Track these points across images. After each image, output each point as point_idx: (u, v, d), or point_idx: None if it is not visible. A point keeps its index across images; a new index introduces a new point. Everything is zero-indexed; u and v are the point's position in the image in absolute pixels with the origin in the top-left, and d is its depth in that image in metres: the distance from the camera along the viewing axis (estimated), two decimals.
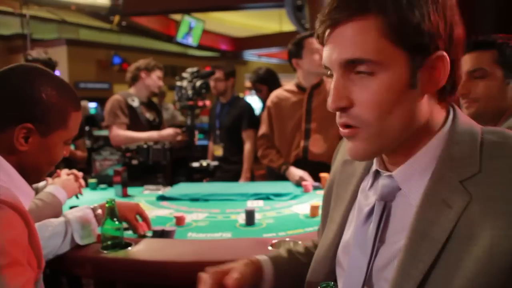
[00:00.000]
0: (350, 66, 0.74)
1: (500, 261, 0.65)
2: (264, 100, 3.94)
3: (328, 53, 0.77)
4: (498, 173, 0.70)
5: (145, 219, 1.69)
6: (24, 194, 1.08)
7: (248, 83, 17.30)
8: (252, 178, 3.81)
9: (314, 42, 2.73)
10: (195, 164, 3.12)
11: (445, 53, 0.73)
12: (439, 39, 0.73)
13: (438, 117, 0.79)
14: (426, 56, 0.73)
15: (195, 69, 3.27)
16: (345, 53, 0.74)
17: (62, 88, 1.16)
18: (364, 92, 0.74)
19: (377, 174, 0.87)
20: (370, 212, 0.85)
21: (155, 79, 3.39)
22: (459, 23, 0.77)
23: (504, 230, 0.66)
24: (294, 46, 2.82)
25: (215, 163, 3.23)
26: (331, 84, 0.78)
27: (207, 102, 3.33)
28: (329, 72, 0.81)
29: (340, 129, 0.80)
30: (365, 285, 0.83)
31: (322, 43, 0.80)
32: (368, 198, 0.89)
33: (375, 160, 0.88)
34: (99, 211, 1.55)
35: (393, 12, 0.71)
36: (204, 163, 3.10)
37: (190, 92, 3.17)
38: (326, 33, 0.77)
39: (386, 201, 0.83)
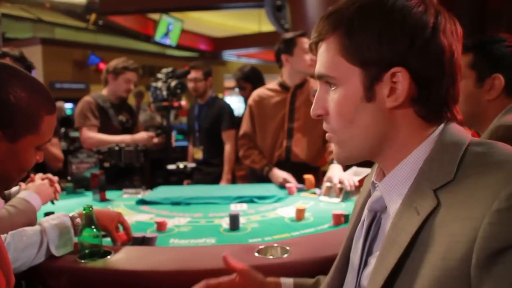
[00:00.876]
0: (321, 80, 0.85)
1: (452, 269, 0.64)
2: (247, 99, 3.90)
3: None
4: (467, 180, 0.69)
5: (126, 229, 1.61)
6: None
7: (228, 83, 17.28)
8: (233, 179, 3.76)
9: (306, 42, 2.71)
10: (171, 167, 3.04)
11: (401, 69, 0.75)
12: (396, 55, 0.75)
13: (421, 131, 0.80)
14: (382, 72, 0.77)
15: (170, 69, 3.20)
16: (317, 68, 0.85)
17: (34, 88, 1.06)
18: (331, 103, 0.83)
19: (374, 186, 0.89)
20: (363, 222, 0.90)
21: (121, 83, 3.26)
22: (438, 41, 0.76)
23: (458, 236, 0.65)
24: (285, 42, 2.78)
25: (193, 165, 3.16)
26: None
27: (183, 103, 3.26)
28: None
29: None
30: None
31: (316, 55, 0.89)
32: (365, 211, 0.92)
33: (374, 172, 0.91)
34: (78, 219, 1.47)
35: (346, 33, 0.78)
36: (181, 165, 3.03)
37: (164, 93, 3.10)
38: (314, 48, 0.88)
39: (377, 212, 0.86)
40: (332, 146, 0.89)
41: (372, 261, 0.82)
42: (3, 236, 1.29)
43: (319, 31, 0.83)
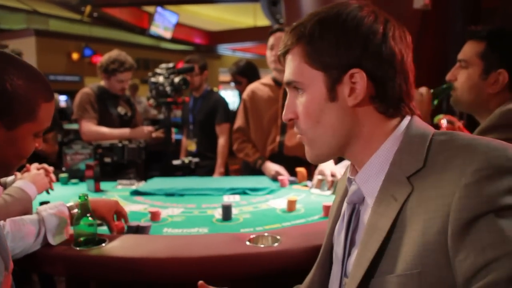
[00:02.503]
0: (289, 86, 0.92)
1: (430, 242, 0.71)
2: (243, 93, 3.93)
3: None
4: (436, 165, 0.77)
5: (123, 217, 1.64)
6: None
7: (222, 77, 17.26)
8: (227, 173, 3.78)
9: (271, 39, 2.76)
10: (176, 162, 3.04)
11: (358, 70, 0.84)
12: (353, 59, 0.84)
13: (383, 126, 0.87)
14: (341, 74, 0.85)
15: (170, 64, 3.17)
16: (286, 76, 0.93)
17: (30, 76, 1.07)
18: (299, 106, 0.90)
19: (350, 182, 0.95)
20: (343, 216, 0.97)
21: (114, 84, 3.23)
22: (388, 44, 0.85)
23: (434, 212, 0.72)
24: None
25: (196, 159, 3.17)
26: None
27: (186, 98, 3.27)
28: None
29: None
30: (341, 283, 0.93)
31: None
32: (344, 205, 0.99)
33: (348, 169, 0.98)
34: (75, 210, 1.49)
35: (309, 41, 0.87)
36: (186, 160, 3.04)
37: (168, 89, 3.10)
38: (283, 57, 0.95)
39: (355, 204, 0.92)
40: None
41: (355, 251, 0.88)
42: (1, 224, 1.32)
43: (285, 43, 0.91)
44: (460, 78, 1.56)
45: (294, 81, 0.90)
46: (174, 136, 3.59)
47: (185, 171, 3.00)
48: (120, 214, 1.64)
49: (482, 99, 1.54)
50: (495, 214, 0.67)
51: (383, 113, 0.87)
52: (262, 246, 1.44)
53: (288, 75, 0.91)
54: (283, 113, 0.94)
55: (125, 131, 3.19)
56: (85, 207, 1.42)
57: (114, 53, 3.25)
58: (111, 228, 1.59)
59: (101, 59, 3.28)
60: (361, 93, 0.84)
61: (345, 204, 0.97)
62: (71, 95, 10.87)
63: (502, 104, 1.49)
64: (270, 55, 2.78)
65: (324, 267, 1.04)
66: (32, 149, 1.12)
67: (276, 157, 2.78)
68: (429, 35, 3.29)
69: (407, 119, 0.88)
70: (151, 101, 3.10)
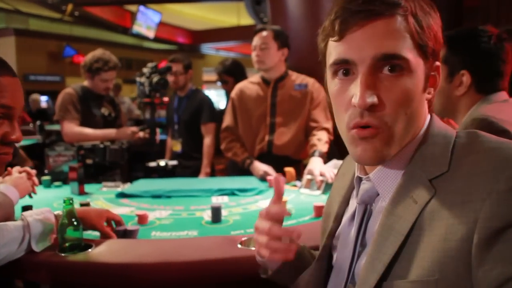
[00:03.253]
0: (382, 63, 0.75)
1: (452, 249, 0.67)
2: (229, 93, 3.89)
3: (356, 46, 0.76)
4: (461, 169, 0.73)
5: (118, 222, 1.59)
6: None
7: (206, 77, 17.20)
8: (213, 173, 3.75)
9: (255, 39, 2.74)
10: (152, 164, 3.00)
11: (439, 64, 0.82)
12: (439, 50, 0.81)
13: (423, 124, 0.83)
14: (433, 63, 0.80)
15: (154, 64, 3.15)
16: (382, 47, 0.74)
17: None
18: (391, 92, 0.75)
19: (359, 181, 0.89)
20: (352, 216, 0.90)
21: (98, 83, 3.16)
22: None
23: (459, 218, 0.68)
24: None
25: (174, 162, 3.12)
26: (358, 80, 0.76)
27: (165, 99, 3.22)
28: (340, 71, 0.79)
29: (356, 130, 0.78)
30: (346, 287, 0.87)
31: (342, 36, 0.77)
32: (353, 204, 0.93)
33: (356, 168, 0.90)
34: (65, 220, 1.38)
35: (422, 17, 0.76)
36: (162, 163, 2.99)
37: (147, 89, 3.06)
38: (354, 26, 0.75)
39: (367, 205, 0.86)
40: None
41: (365, 253, 0.83)
42: None
43: (382, 1, 0.75)
44: None
45: (403, 57, 0.74)
46: (159, 137, 3.54)
47: (161, 173, 2.95)
48: (114, 220, 1.58)
49: (452, 102, 1.56)
50: None
51: (429, 110, 0.85)
52: (254, 248, 1.40)
53: (390, 46, 0.74)
54: (360, 97, 0.74)
55: (108, 131, 3.13)
56: (70, 211, 1.36)
57: (98, 52, 3.19)
58: (107, 234, 1.52)
59: (84, 59, 3.20)
60: (437, 87, 0.83)
61: (353, 205, 0.92)
62: (52, 95, 10.72)
63: (471, 105, 1.51)
64: (254, 55, 2.76)
65: (322, 270, 0.98)
66: None
67: (265, 156, 2.75)
68: None
69: (428, 117, 0.84)
70: (137, 100, 3.06)
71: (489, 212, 0.65)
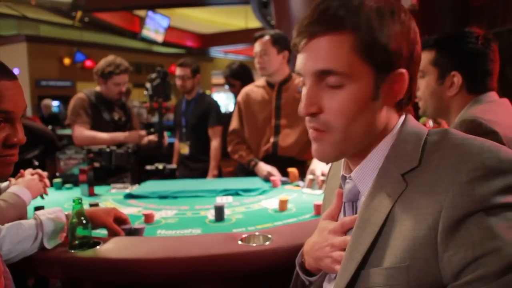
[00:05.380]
0: (322, 76, 0.82)
1: (420, 237, 0.74)
2: (237, 95, 3.96)
3: (302, 61, 0.85)
4: (430, 164, 0.79)
5: (125, 220, 1.66)
6: None
7: (215, 80, 17.27)
8: (220, 175, 3.81)
9: (256, 45, 2.80)
10: (149, 167, 3.05)
11: (405, 70, 0.83)
12: (401, 58, 0.83)
13: (392, 123, 0.89)
14: (389, 73, 0.82)
15: (158, 68, 3.21)
16: (319, 64, 0.82)
17: None
18: (333, 101, 0.82)
19: (344, 180, 0.96)
20: (343, 214, 0.97)
21: (111, 87, 3.23)
22: (419, 42, 0.87)
23: (426, 208, 0.75)
24: None
25: (172, 166, 3.17)
26: (303, 91, 0.86)
27: (165, 104, 3.28)
28: (301, 78, 0.88)
29: (309, 131, 0.88)
30: None
31: (297, 51, 0.87)
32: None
33: (342, 166, 0.97)
34: (75, 219, 1.46)
35: (366, 32, 0.80)
36: (160, 166, 3.05)
37: (149, 94, 3.12)
38: (302, 43, 0.84)
39: (353, 202, 0.94)
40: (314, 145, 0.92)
41: None
42: None
43: (322, 22, 0.81)
44: (421, 88, 1.63)
45: (334, 71, 0.80)
46: (167, 140, 3.62)
47: (160, 177, 3.00)
48: (120, 218, 1.65)
49: (444, 103, 1.60)
50: (485, 213, 0.69)
51: (397, 111, 0.89)
52: (254, 245, 1.47)
53: (325, 63, 0.81)
54: (303, 106, 0.84)
55: (117, 135, 3.21)
56: (79, 211, 1.44)
57: (110, 57, 3.28)
58: (116, 231, 1.59)
59: (97, 65, 3.29)
60: (401, 94, 0.85)
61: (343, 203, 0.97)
62: (63, 100, 10.87)
63: (463, 105, 1.55)
64: (256, 62, 2.82)
65: None
66: None
67: (271, 158, 2.81)
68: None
69: (402, 116, 0.90)
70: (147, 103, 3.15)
71: (452, 202, 0.72)
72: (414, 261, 0.73)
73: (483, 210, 0.69)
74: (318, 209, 1.85)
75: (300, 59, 0.86)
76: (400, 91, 0.85)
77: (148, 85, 3.18)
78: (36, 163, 3.06)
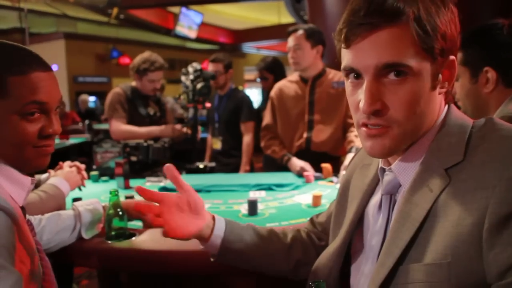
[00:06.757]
0: (385, 70, 0.79)
1: (464, 234, 0.71)
2: (266, 91, 3.95)
3: (359, 55, 0.80)
4: (475, 158, 0.77)
5: None
6: (16, 183, 1.03)
7: (248, 76, 17.31)
8: (252, 170, 3.81)
9: (289, 40, 2.78)
10: (191, 166, 3.07)
11: (454, 57, 0.83)
12: (453, 45, 0.82)
13: (440, 113, 0.87)
14: (444, 60, 0.81)
15: (198, 67, 3.18)
16: (383, 57, 0.78)
17: None
18: (397, 96, 0.79)
19: (382, 172, 0.93)
20: (379, 206, 0.94)
21: (146, 84, 3.28)
22: (459, 30, 0.85)
23: (470, 204, 0.72)
24: None
25: (212, 164, 3.19)
26: (364, 87, 0.81)
27: (207, 104, 3.30)
28: (351, 74, 0.84)
29: (365, 129, 0.84)
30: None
31: (349, 45, 0.82)
32: (379, 194, 0.96)
33: (380, 159, 0.94)
34: (112, 211, 1.48)
35: (426, 21, 0.77)
36: (201, 165, 3.06)
37: (190, 93, 3.14)
38: (357, 36, 0.79)
39: (391, 195, 0.91)
40: (355, 138, 0.92)
41: None
42: (37, 218, 1.39)
43: (382, 12, 0.78)
44: (457, 90, 1.58)
45: (400, 64, 0.78)
46: (200, 135, 3.64)
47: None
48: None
49: (483, 101, 1.54)
50: None
51: (445, 101, 0.87)
52: None
53: (390, 56, 0.78)
54: (364, 103, 0.80)
55: (153, 129, 3.26)
56: (116, 203, 1.47)
57: (146, 54, 3.32)
58: (151, 222, 1.61)
59: (133, 61, 3.34)
60: (453, 79, 0.84)
61: (379, 194, 0.95)
62: (100, 96, 11.15)
63: (502, 101, 1.49)
64: (289, 57, 2.81)
65: (342, 255, 1.00)
66: (27, 132, 1.03)
67: (303, 153, 2.80)
68: None
69: (445, 108, 0.87)
70: (183, 96, 3.16)
71: (498, 198, 0.69)
72: (456, 258, 0.71)
73: None
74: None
75: (356, 53, 0.81)
76: (452, 79, 0.84)
77: (187, 82, 3.17)
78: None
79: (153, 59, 3.28)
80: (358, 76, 0.83)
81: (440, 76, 0.82)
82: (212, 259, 1.19)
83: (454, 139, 0.82)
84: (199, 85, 3.07)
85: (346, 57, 0.83)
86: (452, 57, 0.82)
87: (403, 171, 0.87)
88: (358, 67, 0.81)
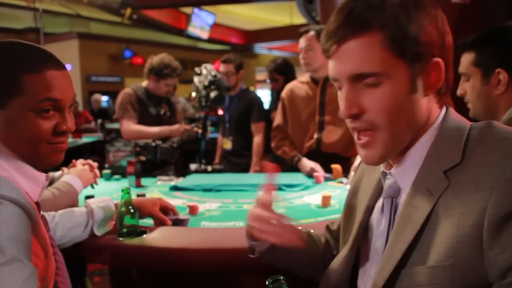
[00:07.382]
0: (358, 78, 0.82)
1: (464, 235, 0.72)
2: (276, 92, 3.95)
3: (335, 67, 0.86)
4: (473, 160, 0.78)
5: (171, 210, 1.70)
6: (31, 179, 1.06)
7: (259, 76, 17.32)
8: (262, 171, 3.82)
9: (300, 41, 2.79)
10: (193, 167, 3.09)
11: (439, 59, 0.82)
12: (434, 47, 0.82)
13: (434, 116, 0.87)
14: (424, 64, 0.82)
15: (213, 72, 3.14)
16: (353, 68, 0.81)
17: (6, 49, 1.03)
18: (373, 100, 0.82)
19: (384, 176, 0.95)
20: (382, 210, 0.95)
21: (162, 87, 3.32)
22: (449, 31, 0.86)
23: (470, 206, 0.73)
24: None
25: (219, 167, 3.20)
26: (339, 94, 0.86)
27: (220, 112, 3.30)
28: (336, 83, 0.88)
29: (356, 138, 0.88)
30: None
31: (328, 57, 0.87)
32: (381, 198, 0.97)
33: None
34: (123, 209, 1.51)
35: (394, 27, 0.79)
36: (209, 168, 3.06)
37: (203, 99, 3.15)
38: (332, 48, 0.84)
39: (393, 198, 0.92)
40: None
41: None
42: (51, 214, 1.41)
43: (349, 25, 0.80)
44: (468, 91, 1.58)
45: (372, 73, 0.80)
46: (210, 135, 3.65)
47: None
48: (167, 208, 1.69)
49: (494, 102, 1.53)
50: None
51: (438, 104, 0.87)
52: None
53: (359, 66, 0.81)
54: (343, 108, 0.84)
55: (163, 129, 3.28)
56: (127, 200, 1.49)
57: (166, 58, 3.34)
58: (163, 220, 1.63)
59: (150, 61, 3.34)
60: (439, 83, 0.84)
61: (381, 199, 0.96)
62: (112, 95, 11.24)
63: None
64: (301, 58, 2.81)
65: (351, 260, 1.02)
66: (42, 129, 1.05)
67: (314, 154, 2.80)
68: (468, 31, 3.23)
69: (443, 110, 0.88)
70: (193, 94, 3.17)
71: (497, 199, 0.70)
72: (459, 259, 0.72)
73: None
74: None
75: (333, 64, 0.86)
76: (438, 80, 0.83)
77: (200, 85, 3.15)
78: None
79: (174, 65, 3.33)
80: (340, 86, 0.87)
81: (422, 79, 0.82)
82: (251, 255, 1.18)
83: (452, 142, 0.82)
84: (212, 94, 3.06)
85: (329, 67, 0.88)
86: (436, 59, 0.82)
87: (402, 175, 0.88)
88: (336, 76, 0.86)
